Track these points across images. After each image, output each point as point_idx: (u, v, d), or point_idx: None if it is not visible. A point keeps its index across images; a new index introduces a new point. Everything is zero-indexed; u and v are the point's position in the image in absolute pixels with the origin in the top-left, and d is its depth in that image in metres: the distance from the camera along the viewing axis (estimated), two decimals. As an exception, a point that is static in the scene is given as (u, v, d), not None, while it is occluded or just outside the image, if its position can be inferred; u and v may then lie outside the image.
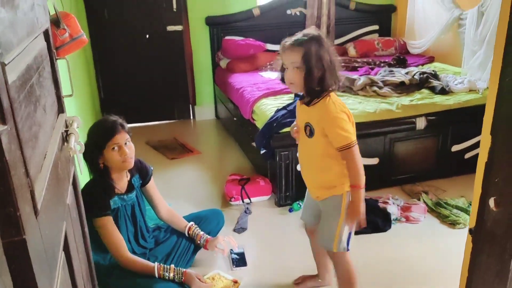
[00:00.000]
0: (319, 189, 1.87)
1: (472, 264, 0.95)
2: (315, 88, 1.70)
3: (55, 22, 1.38)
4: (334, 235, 1.82)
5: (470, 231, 0.91)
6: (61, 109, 1.32)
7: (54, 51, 1.30)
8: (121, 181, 2.17)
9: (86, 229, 1.50)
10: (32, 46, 0.99)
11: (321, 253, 2.10)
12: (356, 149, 1.73)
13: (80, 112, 3.23)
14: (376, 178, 3.04)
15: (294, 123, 1.95)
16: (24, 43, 0.89)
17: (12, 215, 0.67)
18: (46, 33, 1.24)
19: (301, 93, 1.81)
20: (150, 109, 4.66)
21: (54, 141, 1.10)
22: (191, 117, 4.82)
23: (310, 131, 1.77)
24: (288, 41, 1.73)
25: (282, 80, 1.80)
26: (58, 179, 1.06)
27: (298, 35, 1.73)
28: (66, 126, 1.31)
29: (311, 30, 1.78)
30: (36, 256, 0.72)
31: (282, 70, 1.78)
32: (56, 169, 1.05)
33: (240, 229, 2.69)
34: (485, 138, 0.88)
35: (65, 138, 1.24)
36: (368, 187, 2.94)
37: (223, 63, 4.37)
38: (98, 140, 2.05)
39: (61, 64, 1.41)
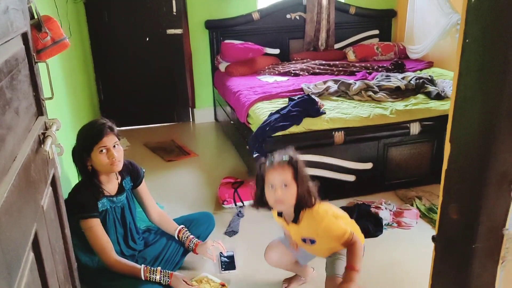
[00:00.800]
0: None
1: (435, 272, 0.95)
2: (304, 202, 1.78)
3: (37, 25, 1.40)
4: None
5: (433, 238, 0.91)
6: (40, 112, 1.33)
7: (34, 54, 1.32)
8: (110, 184, 2.19)
9: (67, 231, 1.51)
10: (3, 49, 1.00)
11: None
12: (357, 238, 1.80)
13: (78, 115, 3.26)
14: (370, 183, 3.04)
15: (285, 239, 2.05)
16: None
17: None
18: (24, 36, 1.25)
19: (280, 211, 1.90)
20: (149, 111, 4.69)
21: (27, 143, 1.11)
22: (191, 120, 4.84)
23: (311, 241, 1.88)
24: (275, 160, 1.78)
25: (258, 204, 1.89)
26: (29, 181, 1.07)
27: (280, 156, 1.79)
28: (46, 129, 1.33)
29: (289, 150, 1.85)
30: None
31: (260, 192, 1.83)
32: (27, 172, 1.06)
33: (231, 232, 2.69)
34: (446, 146, 0.88)
35: (42, 140, 1.25)
36: (362, 192, 3.01)
37: (222, 67, 4.39)
38: (86, 143, 2.06)
39: (48, 66, 1.43)
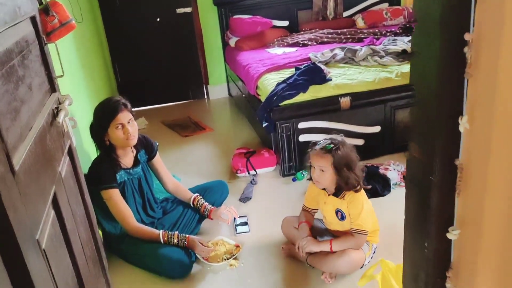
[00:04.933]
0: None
1: (406, 208, 1.05)
2: (342, 186, 2.03)
3: (45, 10, 1.52)
4: None
5: (403, 177, 1.01)
6: (53, 89, 1.47)
7: (43, 36, 1.45)
8: (127, 157, 2.34)
9: (87, 197, 1.66)
10: (12, 32, 1.13)
11: None
12: (362, 239, 2.05)
13: (97, 96, 3.42)
14: (379, 146, 3.11)
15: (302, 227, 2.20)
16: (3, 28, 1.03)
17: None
18: (33, 20, 1.38)
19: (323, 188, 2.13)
20: (165, 90, 4.83)
21: (42, 116, 1.25)
22: (205, 97, 4.96)
23: (342, 216, 2.10)
24: (318, 147, 2.01)
25: (310, 177, 2.15)
26: (45, 149, 1.21)
27: (325, 142, 2.02)
28: (59, 104, 1.46)
29: (336, 136, 2.07)
30: (11, 206, 0.87)
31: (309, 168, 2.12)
32: (43, 140, 1.20)
33: (245, 198, 2.82)
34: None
35: (56, 113, 1.39)
36: (371, 155, 3.09)
37: (232, 42, 4.46)
38: (102, 120, 2.21)
39: (57, 47, 1.56)
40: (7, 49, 1.07)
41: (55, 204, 1.22)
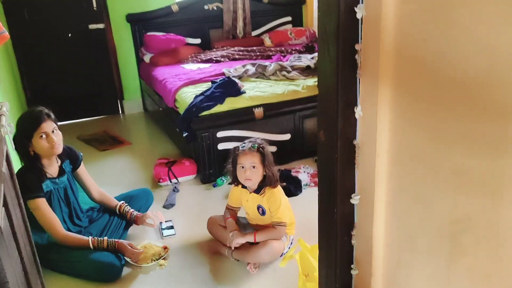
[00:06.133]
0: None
1: (319, 184, 1.31)
2: (266, 182, 2.29)
3: (-22, 21, 1.59)
4: None
5: (315, 160, 1.26)
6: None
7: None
8: (52, 167, 2.38)
9: (21, 202, 1.72)
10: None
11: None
12: (282, 230, 2.31)
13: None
14: (289, 152, 3.43)
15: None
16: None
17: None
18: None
19: (246, 186, 2.35)
20: (79, 106, 4.77)
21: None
22: (120, 112, 4.99)
23: (263, 211, 2.34)
24: (245, 147, 2.26)
25: (234, 180, 2.39)
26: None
27: (250, 143, 2.28)
28: (-4, 111, 1.53)
29: (257, 139, 2.36)
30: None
31: (234, 172, 2.32)
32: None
33: (169, 205, 2.96)
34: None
35: (-4, 119, 1.46)
36: (283, 160, 3.40)
37: (147, 58, 4.59)
38: (26, 129, 2.24)
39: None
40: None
41: (5, 200, 1.31)
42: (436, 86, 0.91)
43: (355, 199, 1.20)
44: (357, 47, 1.06)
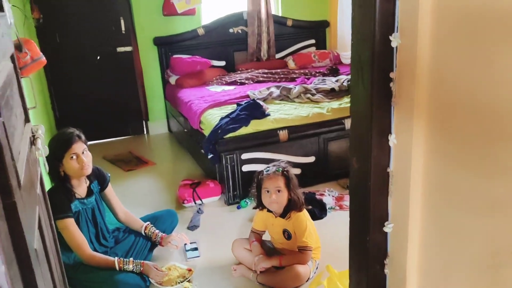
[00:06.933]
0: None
1: (350, 212, 1.30)
2: (291, 206, 2.28)
3: (18, 46, 1.65)
4: None
5: (346, 186, 1.25)
6: (27, 119, 1.58)
7: (19, 71, 1.57)
8: (81, 187, 2.42)
9: (53, 223, 1.75)
10: (4, 67, 1.26)
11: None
12: (309, 256, 2.26)
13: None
14: (314, 174, 3.41)
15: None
16: (1, 64, 1.17)
17: (5, 184, 0.94)
18: (12, 57, 1.51)
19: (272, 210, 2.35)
20: (105, 127, 4.88)
21: (24, 142, 1.37)
22: (145, 132, 5.07)
23: (288, 235, 2.33)
24: (269, 171, 2.27)
25: (259, 205, 2.38)
26: (29, 172, 1.33)
27: (274, 167, 2.30)
28: (32, 133, 1.58)
29: (282, 162, 2.37)
30: (23, 217, 1.00)
31: (259, 196, 2.33)
32: (28, 164, 1.32)
33: (193, 226, 2.96)
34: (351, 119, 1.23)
35: (33, 142, 1.50)
36: (307, 183, 3.39)
37: (172, 80, 4.67)
38: (57, 151, 2.29)
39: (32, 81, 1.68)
40: (4, 82, 1.20)
41: (39, 222, 1.33)
42: (471, 119, 0.90)
43: (388, 228, 1.18)
44: (391, 75, 1.06)
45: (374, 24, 1.04)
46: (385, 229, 1.19)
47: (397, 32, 1.03)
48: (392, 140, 1.10)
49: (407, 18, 1.00)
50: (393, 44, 1.04)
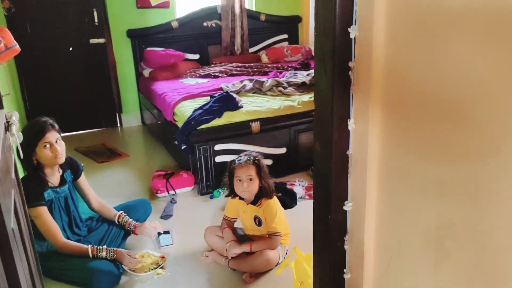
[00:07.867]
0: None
1: (314, 192, 1.39)
2: (262, 194, 2.38)
3: (-9, 35, 1.67)
4: None
5: (311, 169, 1.34)
6: (1, 105, 1.61)
7: (-8, 58, 1.60)
8: (54, 176, 2.44)
9: (26, 209, 1.78)
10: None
11: None
12: (277, 241, 2.36)
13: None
14: (285, 165, 3.51)
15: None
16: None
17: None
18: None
19: (244, 197, 2.43)
20: (77, 118, 4.85)
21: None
22: (118, 125, 5.06)
23: (259, 222, 2.42)
24: (241, 160, 2.35)
25: (231, 193, 2.46)
26: (5, 157, 1.37)
27: (245, 156, 2.38)
28: (6, 119, 1.60)
29: (253, 152, 2.46)
30: (1, 198, 1.04)
31: (231, 185, 2.40)
32: (3, 149, 1.35)
33: (166, 216, 3.02)
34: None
35: (7, 128, 1.53)
36: (278, 174, 3.49)
37: (146, 72, 4.68)
38: (31, 139, 2.30)
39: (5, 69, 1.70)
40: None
41: (14, 206, 1.37)
42: (420, 103, 1.00)
43: (348, 206, 1.28)
44: (350, 64, 1.15)
45: (335, 17, 1.12)
46: (345, 208, 1.28)
47: (355, 24, 1.12)
48: (351, 125, 1.19)
49: (364, 12, 1.09)
50: (351, 36, 1.12)
